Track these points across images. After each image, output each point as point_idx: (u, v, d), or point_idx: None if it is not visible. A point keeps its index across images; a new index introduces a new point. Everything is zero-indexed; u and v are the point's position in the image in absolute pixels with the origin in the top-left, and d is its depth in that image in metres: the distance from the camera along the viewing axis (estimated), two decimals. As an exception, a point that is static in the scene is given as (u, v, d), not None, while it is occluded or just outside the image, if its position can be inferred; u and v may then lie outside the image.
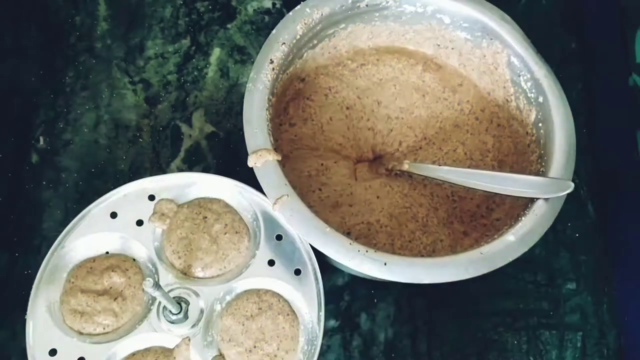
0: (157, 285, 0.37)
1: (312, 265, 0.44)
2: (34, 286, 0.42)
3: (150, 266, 0.44)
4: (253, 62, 0.47)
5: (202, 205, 0.46)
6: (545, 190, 0.45)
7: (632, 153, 0.55)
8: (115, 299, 0.43)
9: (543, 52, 0.50)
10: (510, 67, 0.52)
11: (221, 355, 0.42)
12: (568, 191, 0.44)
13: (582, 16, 0.64)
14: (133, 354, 0.42)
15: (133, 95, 0.58)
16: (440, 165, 0.50)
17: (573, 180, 0.45)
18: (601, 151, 0.59)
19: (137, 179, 0.46)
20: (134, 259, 0.45)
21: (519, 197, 0.47)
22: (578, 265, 0.55)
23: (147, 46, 0.60)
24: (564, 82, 0.50)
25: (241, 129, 0.44)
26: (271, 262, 0.44)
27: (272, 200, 0.42)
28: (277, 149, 0.45)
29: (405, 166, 0.50)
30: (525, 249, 0.43)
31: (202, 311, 0.43)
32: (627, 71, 0.57)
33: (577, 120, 0.48)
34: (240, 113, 0.45)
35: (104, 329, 0.42)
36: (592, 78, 0.62)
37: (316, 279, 0.44)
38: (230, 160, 0.56)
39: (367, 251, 0.41)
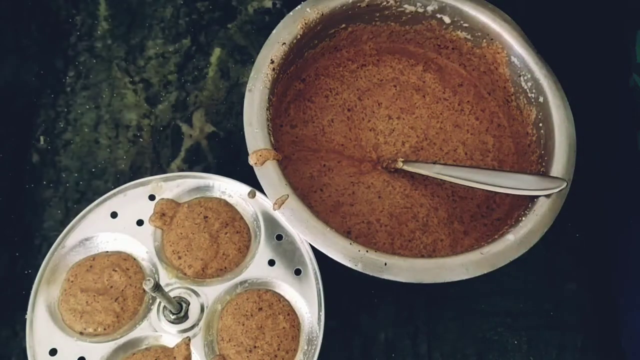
0: (157, 285, 0.37)
1: (312, 265, 0.44)
2: (34, 286, 0.42)
3: (151, 266, 0.44)
4: (253, 62, 0.47)
5: (203, 204, 0.46)
6: (539, 188, 0.45)
7: (632, 153, 0.55)
8: (116, 299, 0.43)
9: (543, 52, 0.50)
10: (510, 67, 0.52)
11: (221, 355, 0.42)
12: (561, 188, 0.44)
13: (582, 16, 0.64)
14: (133, 354, 0.42)
15: (133, 95, 0.58)
16: (440, 166, 0.50)
17: (573, 180, 0.45)
18: (601, 151, 0.59)
19: (137, 178, 0.46)
20: (135, 259, 0.45)
21: (517, 196, 0.47)
22: (578, 265, 0.55)
23: (148, 46, 0.60)
24: (564, 82, 0.50)
25: (241, 129, 0.44)
26: (271, 262, 0.44)
27: (272, 200, 0.42)
28: (277, 149, 0.45)
29: (399, 164, 0.50)
30: (525, 249, 0.43)
31: (202, 311, 0.43)
32: (627, 71, 0.57)
33: (577, 120, 0.48)
34: (240, 113, 0.45)
35: (104, 329, 0.42)
36: (592, 78, 0.62)
37: (316, 279, 0.44)
38: (230, 160, 0.56)
39: (367, 251, 0.41)
